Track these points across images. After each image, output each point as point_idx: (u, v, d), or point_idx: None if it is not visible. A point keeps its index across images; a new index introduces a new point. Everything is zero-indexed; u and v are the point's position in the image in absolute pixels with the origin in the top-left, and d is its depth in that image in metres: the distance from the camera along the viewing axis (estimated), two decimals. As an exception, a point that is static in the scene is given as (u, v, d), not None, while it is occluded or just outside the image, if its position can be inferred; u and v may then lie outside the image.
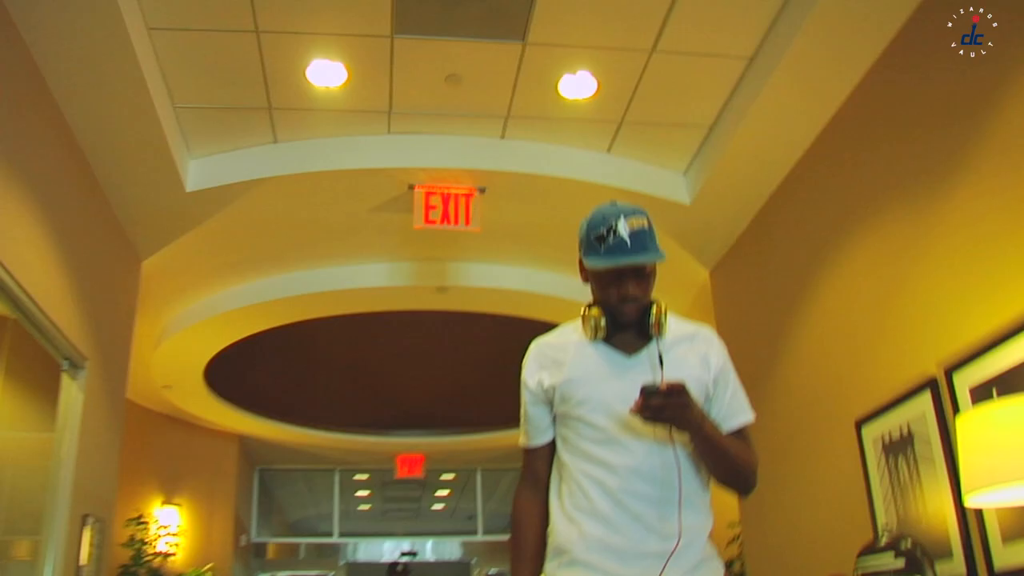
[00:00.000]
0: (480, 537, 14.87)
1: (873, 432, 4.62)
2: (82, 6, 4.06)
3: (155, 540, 9.71)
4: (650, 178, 6.03)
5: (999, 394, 3.63)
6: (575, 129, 5.75)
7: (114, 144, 5.11)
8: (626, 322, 2.51)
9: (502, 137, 5.82)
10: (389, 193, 6.01)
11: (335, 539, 14.90)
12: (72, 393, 5.30)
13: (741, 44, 4.88)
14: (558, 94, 5.34)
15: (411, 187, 5.86)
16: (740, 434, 2.57)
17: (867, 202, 4.74)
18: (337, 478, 14.35)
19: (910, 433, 4.28)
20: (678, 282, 7.13)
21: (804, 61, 4.63)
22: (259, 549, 13.93)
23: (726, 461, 2.48)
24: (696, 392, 2.41)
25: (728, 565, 6.11)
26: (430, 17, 4.73)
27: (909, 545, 3.89)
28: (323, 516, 15.74)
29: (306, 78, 5.15)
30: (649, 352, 2.52)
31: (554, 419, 2.60)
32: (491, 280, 7.14)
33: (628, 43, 4.92)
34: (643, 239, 2.42)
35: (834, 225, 5.03)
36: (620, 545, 2.35)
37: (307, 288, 7.34)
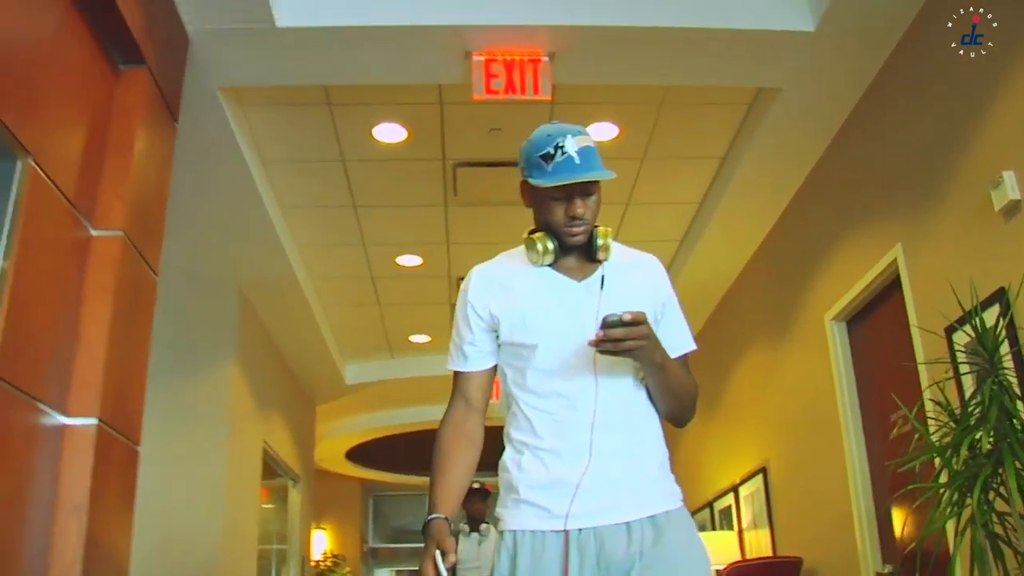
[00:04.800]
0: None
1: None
2: (287, 306, 8.51)
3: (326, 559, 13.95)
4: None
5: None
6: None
7: (312, 369, 9.55)
8: (574, 244, 2.32)
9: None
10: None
11: (427, 544, 19.34)
12: (295, 497, 9.85)
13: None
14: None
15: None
16: (682, 363, 2.39)
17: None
18: (427, 500, 18.89)
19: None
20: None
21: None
22: (374, 552, 18.48)
23: (677, 392, 2.31)
24: (651, 318, 2.16)
25: None
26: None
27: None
28: (418, 518, 20.21)
29: (409, 340, 9.69)
30: (598, 276, 2.31)
31: (495, 346, 2.37)
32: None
33: None
34: (591, 156, 2.23)
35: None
36: (568, 477, 2.17)
37: (408, 419, 12.03)
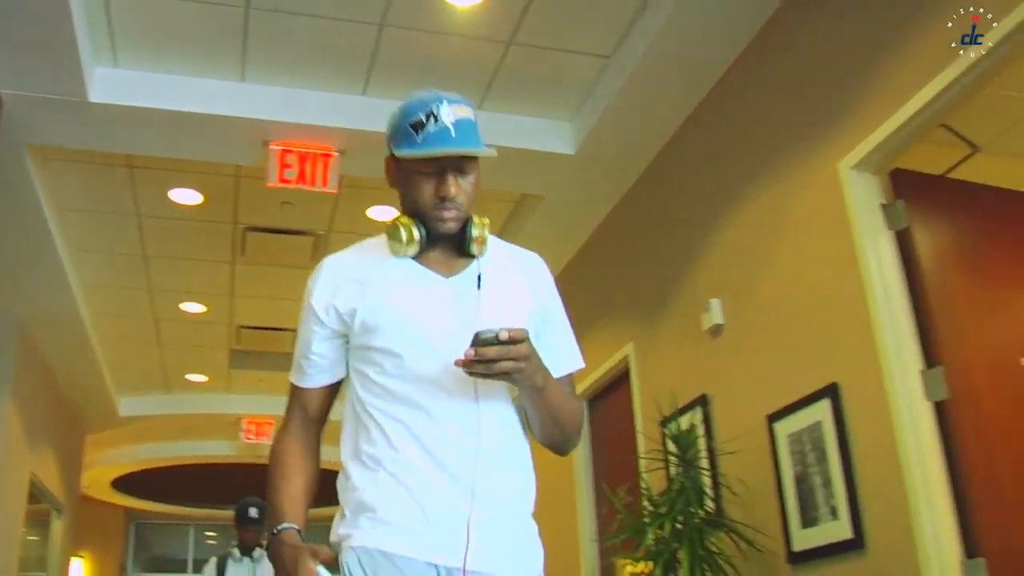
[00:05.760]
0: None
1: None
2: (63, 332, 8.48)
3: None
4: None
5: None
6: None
7: (87, 401, 9.53)
8: (443, 233, 1.93)
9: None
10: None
11: (190, 575, 19.13)
12: (57, 526, 9.78)
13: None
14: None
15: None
16: (567, 383, 2.05)
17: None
18: (191, 531, 18.75)
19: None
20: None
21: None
22: (133, 583, 18.16)
23: (558, 417, 1.96)
24: (526, 327, 1.80)
25: None
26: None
27: None
28: (182, 547, 19.95)
29: (185, 378, 9.87)
30: (470, 274, 1.94)
31: (345, 354, 1.99)
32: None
33: None
34: (469, 130, 1.88)
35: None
36: (431, 505, 1.80)
37: (179, 452, 12.10)
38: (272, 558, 1.84)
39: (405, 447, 1.84)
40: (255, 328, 8.41)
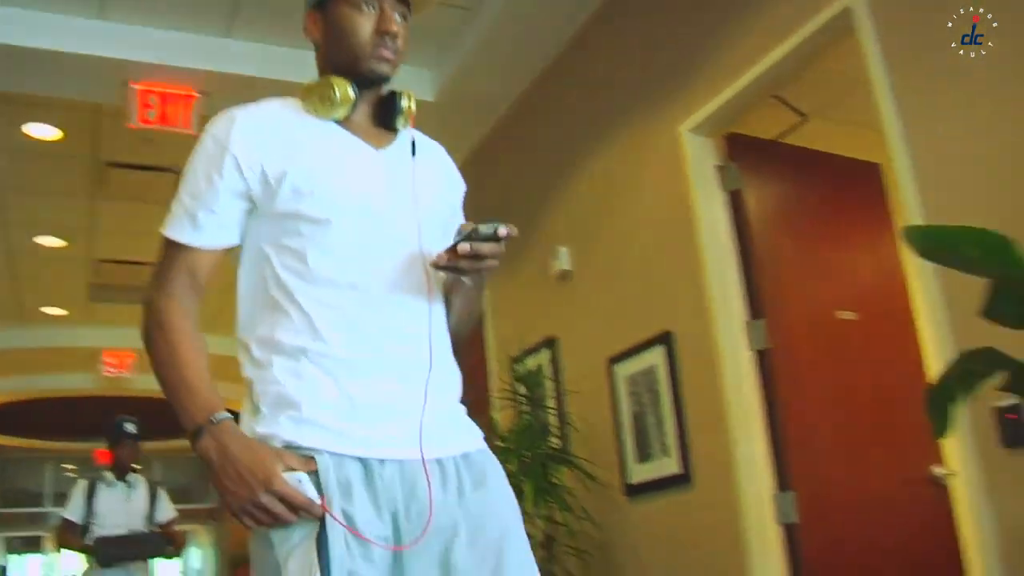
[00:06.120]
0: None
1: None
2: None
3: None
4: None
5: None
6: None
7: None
8: (379, 76, 1.75)
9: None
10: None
11: (48, 508, 18.84)
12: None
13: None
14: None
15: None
16: None
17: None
18: (49, 465, 18.44)
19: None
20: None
21: None
22: (-12, 517, 17.79)
23: (473, 309, 1.90)
24: (449, 217, 1.83)
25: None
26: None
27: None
28: (38, 483, 19.61)
29: (41, 311, 9.66)
30: (400, 147, 1.79)
31: (244, 220, 1.72)
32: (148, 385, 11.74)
33: None
34: None
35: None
36: (362, 397, 1.60)
37: (36, 386, 11.89)
38: (210, 456, 1.54)
39: (334, 336, 1.63)
40: (116, 262, 8.29)
